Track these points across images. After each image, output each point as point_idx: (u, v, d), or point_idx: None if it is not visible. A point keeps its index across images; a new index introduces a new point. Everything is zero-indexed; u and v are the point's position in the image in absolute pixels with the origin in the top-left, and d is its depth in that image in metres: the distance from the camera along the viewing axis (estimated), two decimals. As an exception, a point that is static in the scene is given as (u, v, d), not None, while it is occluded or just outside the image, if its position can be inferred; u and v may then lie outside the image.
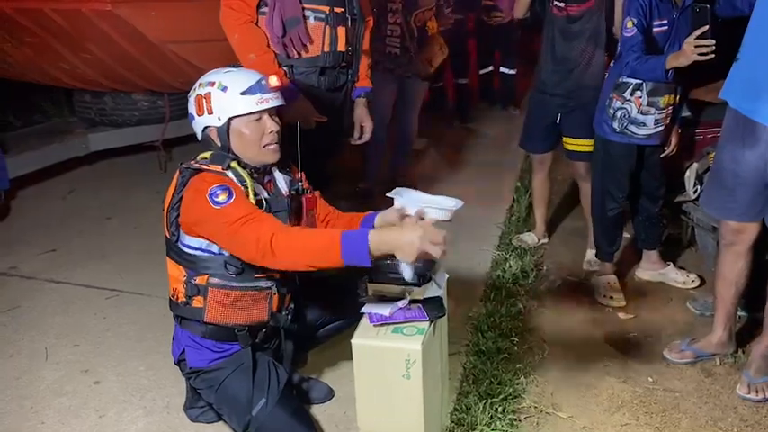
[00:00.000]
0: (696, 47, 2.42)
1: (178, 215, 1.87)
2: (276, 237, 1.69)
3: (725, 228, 2.42)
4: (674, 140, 2.98)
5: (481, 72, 6.53)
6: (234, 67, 1.94)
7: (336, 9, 2.50)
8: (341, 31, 2.53)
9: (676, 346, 2.59)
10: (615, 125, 2.83)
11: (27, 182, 4.27)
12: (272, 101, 1.91)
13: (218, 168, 1.87)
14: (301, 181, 2.08)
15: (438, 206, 1.85)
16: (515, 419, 2.23)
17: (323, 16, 2.48)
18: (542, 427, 2.23)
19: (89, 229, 3.79)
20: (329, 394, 2.32)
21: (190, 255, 1.89)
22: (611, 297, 3.00)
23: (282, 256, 1.68)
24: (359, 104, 2.78)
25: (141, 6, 3.42)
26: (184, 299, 1.93)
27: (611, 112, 2.83)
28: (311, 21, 2.47)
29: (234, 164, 1.89)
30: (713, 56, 2.41)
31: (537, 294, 3.09)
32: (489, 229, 3.77)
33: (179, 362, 2.04)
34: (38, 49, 3.75)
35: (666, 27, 2.69)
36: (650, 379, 2.48)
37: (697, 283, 3.11)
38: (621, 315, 2.92)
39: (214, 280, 1.89)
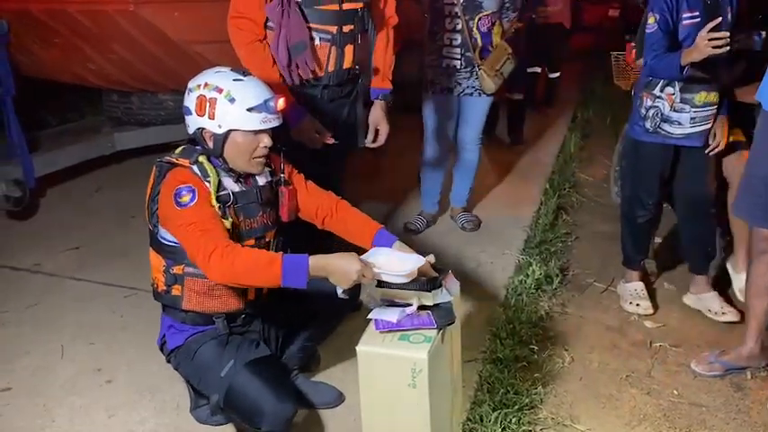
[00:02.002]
0: (710, 40, 2.31)
1: (157, 207, 1.91)
2: (216, 252, 1.75)
3: (757, 236, 2.32)
4: (718, 133, 2.67)
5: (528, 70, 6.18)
6: (242, 74, 1.90)
7: (345, 28, 2.41)
8: (348, 49, 2.44)
9: (705, 358, 2.49)
10: (648, 125, 2.70)
11: (56, 179, 4.31)
12: (274, 121, 1.91)
13: (186, 162, 1.90)
14: (283, 172, 2.07)
15: (401, 263, 1.89)
16: (530, 431, 2.15)
17: (329, 37, 2.40)
18: (558, 440, 2.15)
19: (113, 227, 3.81)
20: (338, 399, 2.29)
21: (169, 246, 1.93)
22: (638, 305, 2.90)
23: (215, 271, 1.76)
24: (376, 106, 2.69)
25: (164, 7, 3.45)
26: (164, 287, 1.99)
27: (643, 111, 2.70)
28: (316, 42, 2.39)
29: (202, 158, 1.90)
30: (728, 48, 2.31)
31: (560, 300, 3.00)
32: (515, 231, 3.69)
33: (161, 346, 2.09)
34: (64, 50, 3.80)
35: (699, 19, 2.52)
36: (675, 392, 2.38)
37: (729, 318, 2.76)
38: (648, 324, 2.82)
39: (190, 269, 1.93)
